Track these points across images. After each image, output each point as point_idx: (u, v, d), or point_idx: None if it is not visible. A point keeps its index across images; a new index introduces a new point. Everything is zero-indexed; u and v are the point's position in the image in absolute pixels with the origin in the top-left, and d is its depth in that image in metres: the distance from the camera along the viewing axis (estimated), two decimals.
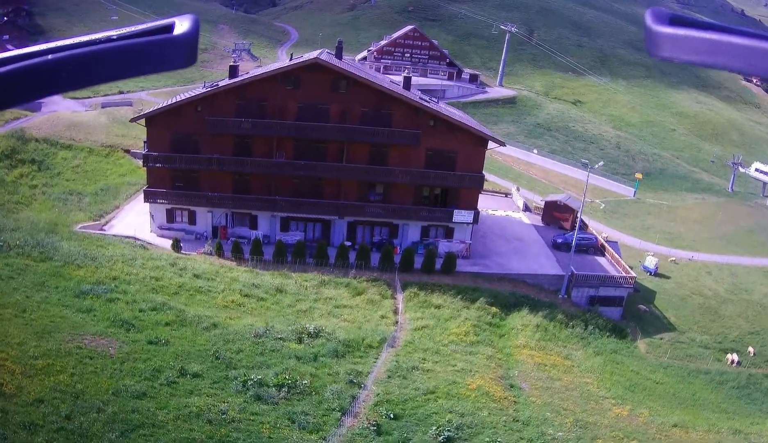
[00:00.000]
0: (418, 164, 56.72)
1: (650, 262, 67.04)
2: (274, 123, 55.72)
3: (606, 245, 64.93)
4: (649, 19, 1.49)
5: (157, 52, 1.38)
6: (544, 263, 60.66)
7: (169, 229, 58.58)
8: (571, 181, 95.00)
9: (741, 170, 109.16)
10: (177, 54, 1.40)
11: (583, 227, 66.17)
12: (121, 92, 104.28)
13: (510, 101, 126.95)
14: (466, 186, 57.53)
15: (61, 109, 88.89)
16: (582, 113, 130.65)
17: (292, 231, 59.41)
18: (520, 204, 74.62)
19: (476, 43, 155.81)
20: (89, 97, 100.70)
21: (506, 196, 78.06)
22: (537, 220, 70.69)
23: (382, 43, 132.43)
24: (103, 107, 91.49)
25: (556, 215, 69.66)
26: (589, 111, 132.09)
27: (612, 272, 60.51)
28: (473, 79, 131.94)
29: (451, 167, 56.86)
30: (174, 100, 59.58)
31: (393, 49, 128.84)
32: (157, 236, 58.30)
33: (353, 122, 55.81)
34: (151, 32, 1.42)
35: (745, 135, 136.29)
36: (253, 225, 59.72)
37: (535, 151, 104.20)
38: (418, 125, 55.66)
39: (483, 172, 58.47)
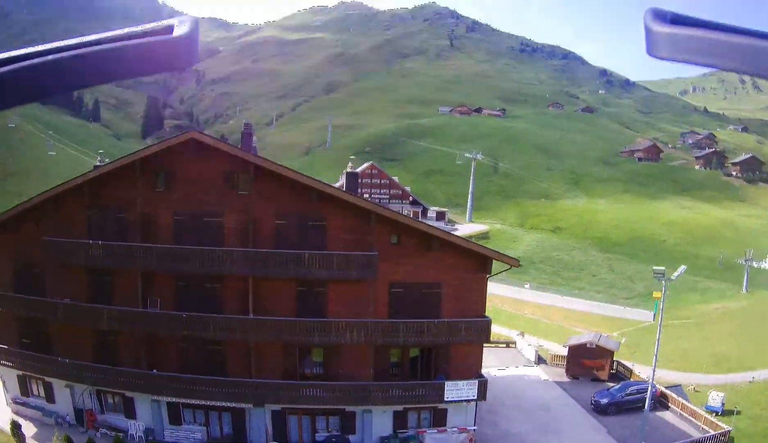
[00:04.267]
0: (379, 309, 31.21)
1: (715, 399, 45.35)
2: (136, 248, 30.79)
3: (669, 393, 42.71)
4: (648, 18, 1.32)
5: (157, 53, 1.28)
6: (592, 441, 35.73)
7: (24, 404, 36.10)
8: (577, 315, 74.65)
9: (755, 265, 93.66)
10: (176, 55, 1.29)
11: (628, 374, 46.85)
12: None
13: (483, 237, 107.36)
14: (462, 340, 31.67)
15: None
16: (564, 239, 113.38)
17: (188, 425, 33.44)
18: (531, 355, 50.13)
19: (439, 179, 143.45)
20: None
21: (508, 346, 53.18)
22: (559, 374, 46.75)
23: (338, 183, 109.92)
24: None
25: (586, 363, 46.12)
26: (572, 236, 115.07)
27: (692, 432, 37.82)
28: (440, 216, 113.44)
29: (434, 310, 31.54)
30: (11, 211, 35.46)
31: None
32: (12, 411, 35.79)
33: (264, 242, 30.55)
34: (151, 33, 1.31)
35: (738, 231, 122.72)
36: (130, 412, 33.96)
37: (527, 285, 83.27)
38: (371, 244, 30.54)
39: (486, 314, 32.83)
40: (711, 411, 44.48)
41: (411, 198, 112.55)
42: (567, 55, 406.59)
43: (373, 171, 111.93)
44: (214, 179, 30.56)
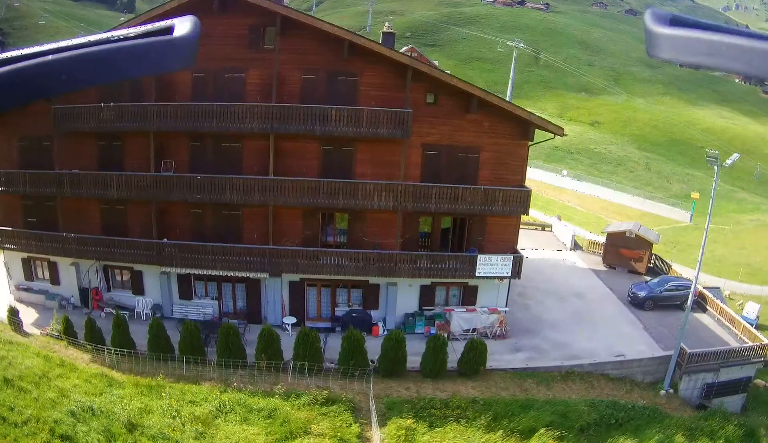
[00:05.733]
0: (410, 173, 28.60)
1: (751, 310, 42.36)
2: (150, 107, 28.04)
3: (708, 294, 38.35)
4: (648, 20, 1.35)
5: (157, 53, 1.28)
6: (628, 335, 32.74)
7: (28, 289, 33.88)
8: (614, 207, 71.57)
9: None
10: (177, 55, 1.29)
11: (666, 269, 42.62)
12: None
13: None
14: (499, 211, 29.01)
15: None
16: (602, 134, 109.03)
17: (199, 299, 31.64)
18: (567, 241, 46.75)
19: (480, 67, 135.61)
20: None
21: (543, 229, 50.04)
22: (595, 262, 43.45)
23: None
24: None
25: (624, 253, 42.52)
26: (610, 132, 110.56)
27: (729, 339, 33.91)
28: None
29: (470, 176, 28.83)
30: None
31: None
32: (15, 298, 33.35)
33: (289, 97, 27.71)
34: (151, 33, 1.32)
35: None
36: (138, 288, 32.12)
37: (565, 172, 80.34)
38: (406, 102, 27.58)
39: (526, 185, 30.06)
40: (745, 322, 40.56)
41: None
42: None
43: (413, 54, 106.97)
44: (237, 33, 27.53)
